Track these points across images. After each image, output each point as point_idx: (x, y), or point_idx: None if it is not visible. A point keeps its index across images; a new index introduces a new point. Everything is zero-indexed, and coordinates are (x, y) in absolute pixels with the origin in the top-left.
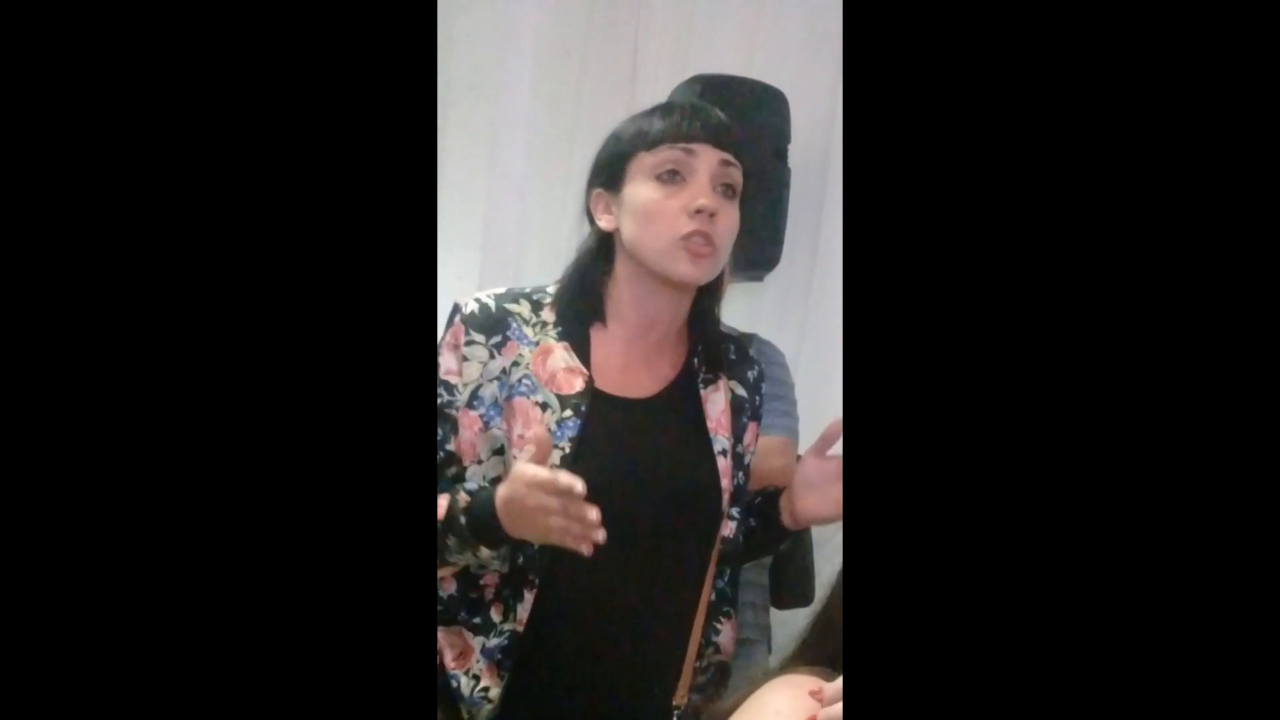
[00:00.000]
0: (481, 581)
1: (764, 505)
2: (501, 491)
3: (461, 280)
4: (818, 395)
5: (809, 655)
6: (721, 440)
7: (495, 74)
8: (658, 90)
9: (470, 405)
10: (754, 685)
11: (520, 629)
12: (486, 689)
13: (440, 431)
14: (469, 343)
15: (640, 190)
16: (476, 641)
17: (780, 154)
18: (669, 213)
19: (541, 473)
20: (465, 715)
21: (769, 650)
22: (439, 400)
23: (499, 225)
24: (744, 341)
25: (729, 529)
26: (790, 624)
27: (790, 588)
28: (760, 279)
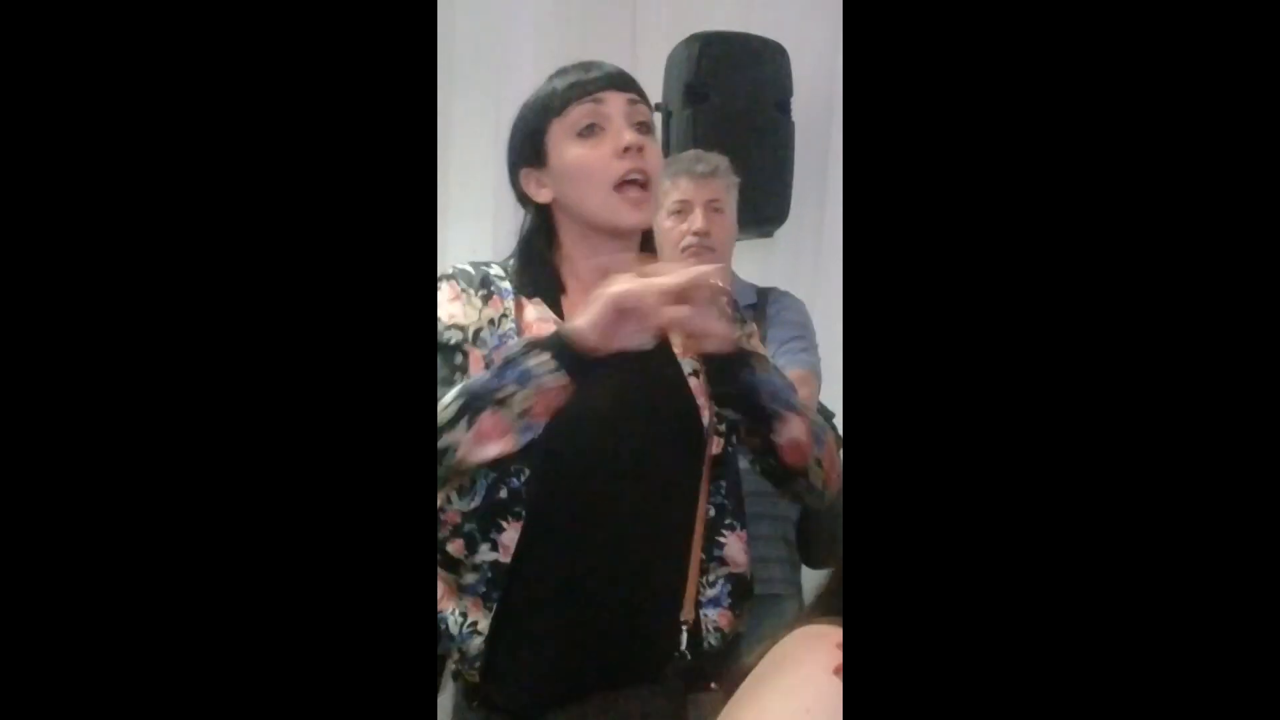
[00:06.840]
0: (441, 518)
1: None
2: (587, 319)
3: (475, 252)
4: (830, 346)
5: (830, 605)
6: (690, 362)
7: (498, 46)
8: (658, 53)
9: (474, 343)
10: (776, 639)
11: (506, 560)
12: (475, 623)
13: (459, 358)
14: (464, 291)
15: (565, 152)
16: (450, 578)
17: (782, 107)
18: (599, 161)
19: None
20: (456, 654)
21: (801, 606)
22: (452, 340)
23: (508, 195)
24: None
25: (717, 445)
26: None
27: (822, 549)
28: (770, 235)
